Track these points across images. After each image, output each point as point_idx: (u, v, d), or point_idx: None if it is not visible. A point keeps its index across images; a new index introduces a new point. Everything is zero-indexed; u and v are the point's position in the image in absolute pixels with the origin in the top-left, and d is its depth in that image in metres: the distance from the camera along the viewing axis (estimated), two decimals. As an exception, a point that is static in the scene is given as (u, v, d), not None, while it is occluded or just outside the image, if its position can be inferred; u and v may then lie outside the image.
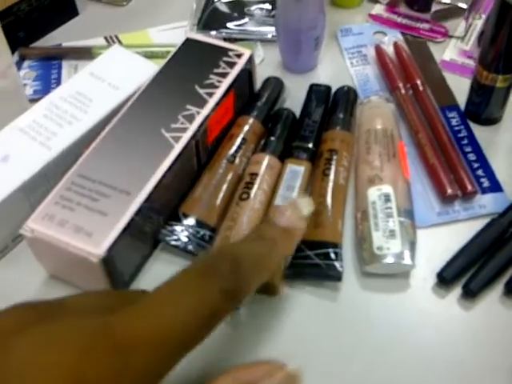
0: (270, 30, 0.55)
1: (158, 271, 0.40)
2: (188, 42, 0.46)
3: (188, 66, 0.44)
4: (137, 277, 0.39)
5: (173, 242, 0.39)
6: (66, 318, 0.25)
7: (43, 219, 0.36)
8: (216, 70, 0.44)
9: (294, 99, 0.49)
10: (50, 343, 0.22)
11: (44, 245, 0.35)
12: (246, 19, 0.56)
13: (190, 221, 0.40)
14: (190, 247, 0.39)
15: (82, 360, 0.22)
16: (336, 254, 0.38)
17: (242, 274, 0.28)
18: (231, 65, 0.44)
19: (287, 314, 0.37)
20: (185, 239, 0.39)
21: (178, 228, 0.40)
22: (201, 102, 0.42)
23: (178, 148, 0.39)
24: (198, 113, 0.41)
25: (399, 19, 0.56)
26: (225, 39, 0.55)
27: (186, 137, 0.40)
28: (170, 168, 0.38)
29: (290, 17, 0.48)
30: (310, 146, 0.44)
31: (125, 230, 0.35)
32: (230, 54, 0.45)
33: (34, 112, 0.43)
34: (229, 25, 0.56)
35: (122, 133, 0.40)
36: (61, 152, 0.41)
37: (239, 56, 0.45)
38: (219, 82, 0.43)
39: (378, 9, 0.57)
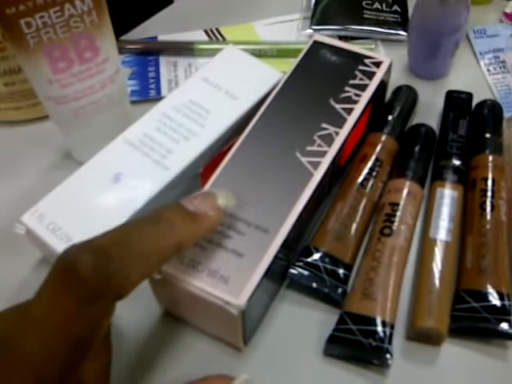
0: (392, 29, 0.49)
1: (285, 312, 0.35)
2: (315, 45, 0.41)
3: (318, 75, 0.39)
4: (264, 318, 0.35)
5: (303, 281, 0.35)
6: None
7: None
8: (352, 82, 0.38)
9: (425, 110, 0.44)
10: None
11: (172, 287, 0.31)
12: (366, 15, 0.50)
13: (323, 256, 0.35)
14: (323, 287, 0.34)
15: None
16: (504, 307, 0.32)
17: (112, 266, 0.24)
18: (369, 75, 0.38)
19: (446, 372, 0.32)
20: (317, 278, 0.34)
21: (308, 264, 0.35)
22: (339, 120, 0.36)
23: (317, 176, 0.34)
24: (337, 133, 0.36)
25: (539, 18, 0.49)
26: (340, 37, 0.49)
27: (325, 162, 0.34)
28: (309, 200, 0.33)
29: (431, 19, 0.41)
30: (460, 165, 0.38)
31: (264, 275, 0.31)
32: (367, 61, 0.39)
33: (145, 124, 0.38)
34: (346, 20, 0.50)
35: (250, 156, 0.35)
36: (180, 172, 0.36)
37: (377, 64, 0.39)
38: (357, 95, 0.37)
39: (514, 6, 0.50)
